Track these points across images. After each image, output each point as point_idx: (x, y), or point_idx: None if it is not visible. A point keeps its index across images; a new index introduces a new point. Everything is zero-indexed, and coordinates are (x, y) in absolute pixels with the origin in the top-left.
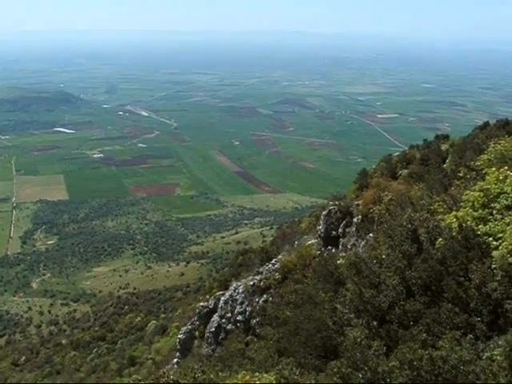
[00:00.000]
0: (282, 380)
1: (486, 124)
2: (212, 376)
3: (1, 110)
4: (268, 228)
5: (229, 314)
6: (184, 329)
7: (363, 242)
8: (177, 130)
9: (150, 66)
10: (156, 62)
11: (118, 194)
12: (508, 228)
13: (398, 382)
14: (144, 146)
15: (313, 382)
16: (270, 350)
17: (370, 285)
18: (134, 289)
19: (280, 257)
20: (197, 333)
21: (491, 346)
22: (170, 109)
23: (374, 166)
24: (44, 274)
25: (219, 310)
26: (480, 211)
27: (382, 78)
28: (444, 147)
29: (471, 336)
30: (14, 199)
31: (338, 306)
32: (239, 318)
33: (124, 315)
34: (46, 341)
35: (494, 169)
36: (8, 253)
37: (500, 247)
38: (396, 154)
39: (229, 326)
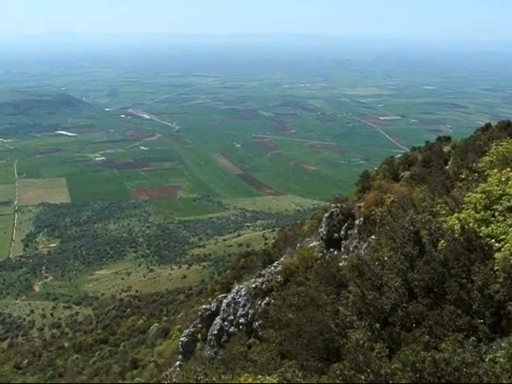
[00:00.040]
0: (285, 382)
1: (488, 126)
2: (214, 379)
3: (3, 113)
4: (270, 230)
5: (231, 317)
6: (186, 331)
7: (365, 244)
8: (179, 133)
9: (150, 69)
10: (156, 65)
11: (120, 196)
12: (510, 230)
13: None
14: (146, 148)
15: None
16: (273, 352)
17: (373, 287)
18: (137, 291)
19: (282, 259)
20: (199, 335)
21: (494, 348)
22: (171, 111)
23: (375, 168)
24: (46, 277)
25: (221, 312)
26: (482, 213)
27: (384, 80)
28: (446, 149)
29: (474, 338)
30: (16, 202)
31: (341, 308)
32: (241, 320)
33: (126, 318)
34: (49, 344)
35: (495, 170)
36: (10, 256)
37: (502, 249)
38: (398, 156)
39: (231, 329)
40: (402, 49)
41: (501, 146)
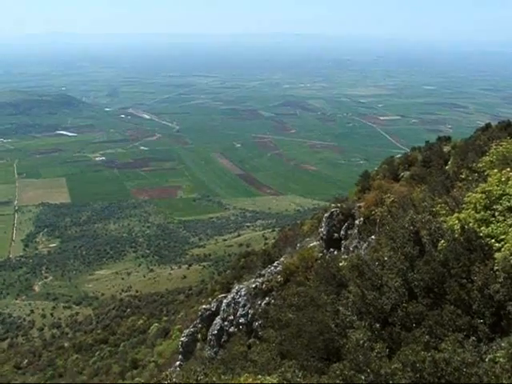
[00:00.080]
0: (285, 382)
1: (488, 126)
2: (214, 379)
3: (3, 113)
4: (270, 230)
5: (231, 317)
6: (186, 331)
7: (365, 244)
8: (179, 133)
9: (150, 69)
10: (156, 65)
11: (120, 196)
12: (510, 230)
13: None
14: (146, 148)
15: None
16: (273, 352)
17: (373, 287)
18: (137, 291)
19: (282, 259)
20: (199, 335)
21: (494, 348)
22: (171, 111)
23: (375, 168)
24: (46, 277)
25: (221, 312)
26: (482, 213)
27: (384, 80)
28: (446, 149)
29: (474, 338)
30: (16, 202)
31: (341, 308)
32: (241, 320)
33: (126, 318)
34: (49, 344)
35: (496, 170)
36: (10, 256)
37: (502, 249)
38: (398, 156)
39: (231, 329)
40: (402, 49)
41: (501, 146)
